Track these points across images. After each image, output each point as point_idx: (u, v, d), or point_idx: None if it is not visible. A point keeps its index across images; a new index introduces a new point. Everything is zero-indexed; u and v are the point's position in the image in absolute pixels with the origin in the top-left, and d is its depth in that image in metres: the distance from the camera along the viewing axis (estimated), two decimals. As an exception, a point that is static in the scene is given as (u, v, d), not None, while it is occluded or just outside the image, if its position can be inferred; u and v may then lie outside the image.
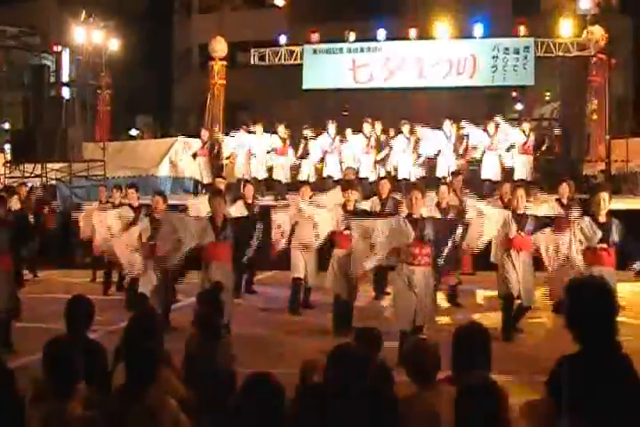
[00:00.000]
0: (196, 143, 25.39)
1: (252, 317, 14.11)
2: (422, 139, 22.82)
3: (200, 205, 15.06)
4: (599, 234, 11.64)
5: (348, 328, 11.95)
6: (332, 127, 23.64)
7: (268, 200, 20.88)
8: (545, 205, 14.06)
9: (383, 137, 23.69)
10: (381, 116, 24.54)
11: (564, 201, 14.21)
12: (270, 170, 23.80)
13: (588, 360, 4.18)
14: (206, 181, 23.78)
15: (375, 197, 15.10)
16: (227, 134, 25.64)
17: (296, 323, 13.90)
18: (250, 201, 16.39)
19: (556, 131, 23.22)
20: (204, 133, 24.89)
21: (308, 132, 24.33)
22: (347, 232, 12.92)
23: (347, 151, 23.34)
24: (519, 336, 12.38)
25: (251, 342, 11.17)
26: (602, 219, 11.73)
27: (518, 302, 12.56)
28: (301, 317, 14.41)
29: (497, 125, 22.29)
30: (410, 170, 22.88)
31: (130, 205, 15.82)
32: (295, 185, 19.90)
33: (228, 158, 25.37)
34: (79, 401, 5.53)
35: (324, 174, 23.42)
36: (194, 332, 7.53)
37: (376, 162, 23.29)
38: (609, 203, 11.84)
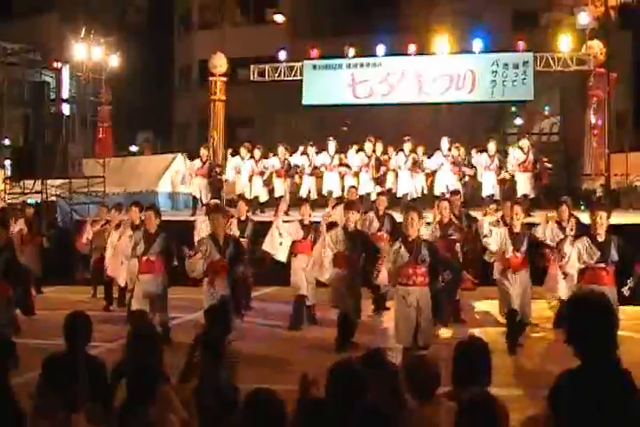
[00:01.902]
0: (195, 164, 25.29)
1: (252, 332, 14.07)
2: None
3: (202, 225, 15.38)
4: (597, 254, 11.67)
5: (350, 343, 12.26)
6: (331, 145, 23.81)
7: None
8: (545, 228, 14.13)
9: (383, 157, 23.75)
10: (382, 132, 24.64)
11: (564, 224, 14.18)
12: (271, 191, 23.92)
13: (588, 375, 4.17)
14: (205, 200, 23.78)
15: (372, 213, 15.45)
16: (227, 152, 25.72)
17: (296, 338, 13.88)
18: (243, 218, 16.50)
19: (547, 164, 22.98)
20: (204, 153, 24.82)
21: (310, 149, 24.39)
22: (347, 252, 13.05)
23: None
24: (519, 351, 12.37)
25: (252, 358, 11.14)
26: (600, 238, 11.75)
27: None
28: (301, 332, 14.38)
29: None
30: (409, 187, 22.98)
31: (131, 224, 15.84)
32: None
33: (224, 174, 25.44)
34: (82, 416, 5.52)
35: (324, 191, 23.52)
36: (196, 348, 7.53)
37: (374, 179, 23.33)
38: (607, 221, 11.89)
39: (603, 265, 11.66)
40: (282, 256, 15.24)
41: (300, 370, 6.10)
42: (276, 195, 23.57)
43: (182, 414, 5.76)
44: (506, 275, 12.68)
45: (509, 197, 18.72)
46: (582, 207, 19.60)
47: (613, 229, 12.58)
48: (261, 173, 23.88)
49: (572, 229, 13.06)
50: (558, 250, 12.52)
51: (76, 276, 21.17)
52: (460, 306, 15.02)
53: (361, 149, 23.83)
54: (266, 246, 15.28)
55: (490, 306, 15.25)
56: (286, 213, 16.83)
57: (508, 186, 22.49)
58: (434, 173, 23.20)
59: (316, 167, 23.98)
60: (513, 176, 22.31)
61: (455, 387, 5.29)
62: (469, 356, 5.37)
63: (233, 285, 12.80)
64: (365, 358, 5.84)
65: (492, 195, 22.01)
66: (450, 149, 23.06)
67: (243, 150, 24.41)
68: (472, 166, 22.94)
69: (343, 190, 22.46)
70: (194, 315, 13.92)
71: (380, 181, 23.50)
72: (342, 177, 23.60)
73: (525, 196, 21.16)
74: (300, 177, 24.18)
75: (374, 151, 23.69)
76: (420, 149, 23.31)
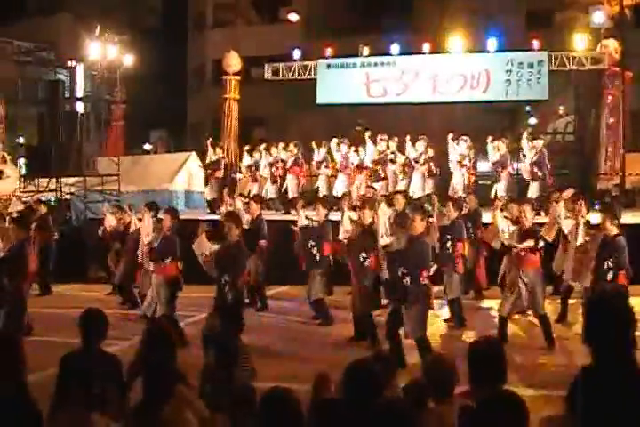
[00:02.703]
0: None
1: (268, 330, 14.08)
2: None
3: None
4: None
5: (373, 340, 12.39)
6: (344, 146, 23.99)
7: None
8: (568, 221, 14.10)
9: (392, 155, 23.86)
10: (396, 131, 24.64)
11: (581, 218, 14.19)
12: (284, 188, 24.04)
13: (607, 375, 4.15)
14: (211, 196, 23.88)
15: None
16: (242, 150, 25.83)
17: (313, 336, 13.87)
18: (254, 216, 16.56)
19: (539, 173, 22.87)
20: (218, 151, 24.87)
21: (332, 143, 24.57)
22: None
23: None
24: (536, 349, 12.36)
25: (268, 357, 11.14)
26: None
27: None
28: (320, 329, 14.37)
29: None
30: (419, 186, 23.07)
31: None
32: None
33: (241, 172, 25.49)
34: (99, 414, 5.53)
35: (334, 191, 23.63)
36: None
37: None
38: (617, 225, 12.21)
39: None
40: None
41: (315, 369, 6.10)
42: (290, 193, 23.67)
43: (203, 414, 5.76)
44: (515, 274, 12.66)
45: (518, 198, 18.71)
46: (596, 207, 19.52)
47: (628, 229, 12.66)
48: (275, 171, 24.03)
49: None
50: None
51: (89, 274, 21.22)
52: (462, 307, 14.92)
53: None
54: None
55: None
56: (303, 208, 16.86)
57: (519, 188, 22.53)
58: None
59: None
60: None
61: (472, 385, 5.28)
62: (485, 354, 5.36)
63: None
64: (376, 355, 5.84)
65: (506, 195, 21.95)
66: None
67: (257, 151, 24.66)
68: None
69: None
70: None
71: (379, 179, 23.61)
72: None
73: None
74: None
75: (388, 148, 23.80)
76: (431, 151, 23.41)
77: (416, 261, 10.99)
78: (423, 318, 11.18)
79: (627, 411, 4.04)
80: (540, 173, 21.68)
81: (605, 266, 12.03)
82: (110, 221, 18.61)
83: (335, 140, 24.59)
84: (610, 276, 11.96)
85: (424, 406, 5.60)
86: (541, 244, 12.86)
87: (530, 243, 12.47)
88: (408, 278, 10.82)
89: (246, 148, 25.38)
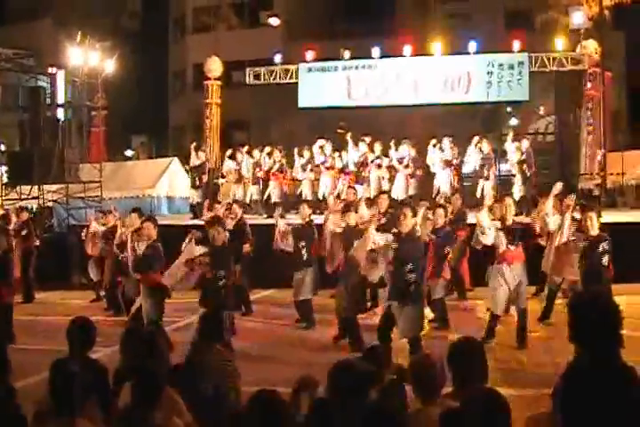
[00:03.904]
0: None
1: (253, 334, 14.08)
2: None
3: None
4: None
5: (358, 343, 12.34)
6: (328, 147, 24.05)
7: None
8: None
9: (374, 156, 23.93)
10: (378, 134, 24.73)
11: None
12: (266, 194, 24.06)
13: (593, 373, 4.17)
14: (196, 200, 23.89)
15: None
16: (224, 154, 25.82)
17: (300, 339, 13.87)
18: (236, 220, 16.61)
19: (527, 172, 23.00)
20: (201, 154, 24.89)
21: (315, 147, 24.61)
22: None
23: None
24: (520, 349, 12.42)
25: (253, 361, 11.15)
26: (593, 233, 12.03)
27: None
28: (305, 332, 14.38)
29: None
30: (402, 188, 23.15)
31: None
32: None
33: (223, 177, 25.46)
34: (88, 420, 5.54)
35: (319, 194, 23.66)
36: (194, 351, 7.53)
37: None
38: (598, 221, 12.20)
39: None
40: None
41: (302, 371, 6.12)
42: (273, 198, 23.68)
43: (187, 418, 5.77)
44: (499, 271, 12.70)
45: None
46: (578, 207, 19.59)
47: (610, 228, 12.74)
48: (257, 172, 24.14)
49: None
50: None
51: (73, 280, 21.16)
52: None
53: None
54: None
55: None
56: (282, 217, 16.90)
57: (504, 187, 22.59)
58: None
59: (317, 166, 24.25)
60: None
61: (455, 387, 5.31)
62: (466, 354, 5.38)
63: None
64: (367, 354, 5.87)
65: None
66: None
67: (239, 154, 24.62)
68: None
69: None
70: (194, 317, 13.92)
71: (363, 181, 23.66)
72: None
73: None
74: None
75: (372, 151, 23.85)
76: (413, 152, 23.54)
77: (418, 257, 11.06)
78: (421, 317, 11.27)
79: (612, 409, 4.06)
80: (528, 172, 21.86)
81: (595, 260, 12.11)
82: (95, 228, 18.42)
83: (319, 143, 24.56)
84: (605, 261, 12.06)
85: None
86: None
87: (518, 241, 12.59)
88: (413, 276, 10.86)
89: (228, 153, 25.33)
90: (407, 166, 23.24)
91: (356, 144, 24.16)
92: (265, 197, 24.08)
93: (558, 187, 14.33)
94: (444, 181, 22.95)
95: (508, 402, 4.37)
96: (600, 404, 4.07)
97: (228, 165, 25.10)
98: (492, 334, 12.52)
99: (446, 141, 23.48)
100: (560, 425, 4.17)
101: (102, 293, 17.98)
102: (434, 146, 23.46)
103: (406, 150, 23.49)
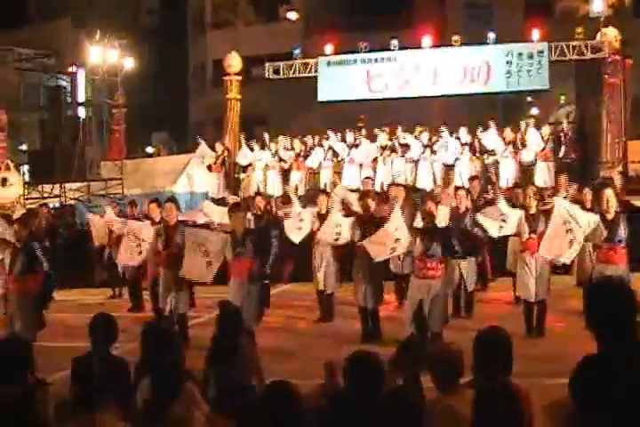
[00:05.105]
0: (210, 158, 25.49)
1: (273, 329, 14.08)
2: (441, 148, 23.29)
3: (214, 211, 15.41)
4: (605, 233, 11.79)
5: (376, 336, 12.48)
6: (349, 136, 24.08)
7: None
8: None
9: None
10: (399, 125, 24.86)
11: (587, 206, 14.22)
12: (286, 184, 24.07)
13: (609, 361, 4.15)
14: (219, 195, 23.92)
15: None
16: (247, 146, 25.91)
17: (321, 332, 13.88)
18: (260, 212, 16.56)
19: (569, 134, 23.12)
20: (219, 147, 25.01)
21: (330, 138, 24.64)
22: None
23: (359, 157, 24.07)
24: (541, 337, 12.39)
25: (275, 352, 11.17)
26: (609, 216, 11.87)
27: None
28: (326, 325, 14.38)
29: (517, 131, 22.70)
30: (426, 178, 23.15)
31: (152, 220, 15.63)
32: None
33: (244, 172, 25.52)
34: (109, 415, 5.56)
35: (343, 184, 23.64)
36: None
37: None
38: (615, 199, 12.04)
39: (611, 244, 11.95)
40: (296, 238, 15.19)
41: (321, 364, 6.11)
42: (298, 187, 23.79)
43: (205, 410, 5.78)
44: (523, 261, 12.67)
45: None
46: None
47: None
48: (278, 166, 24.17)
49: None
50: None
51: (95, 278, 21.22)
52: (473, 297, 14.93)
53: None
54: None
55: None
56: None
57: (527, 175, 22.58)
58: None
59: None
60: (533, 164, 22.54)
61: (476, 376, 5.28)
62: (490, 344, 5.35)
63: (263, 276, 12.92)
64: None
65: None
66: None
67: (256, 146, 24.74)
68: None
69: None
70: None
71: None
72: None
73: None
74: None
75: (392, 139, 24.01)
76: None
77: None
78: (447, 310, 11.42)
79: (634, 396, 4.03)
80: (552, 158, 21.88)
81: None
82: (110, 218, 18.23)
83: (336, 136, 24.62)
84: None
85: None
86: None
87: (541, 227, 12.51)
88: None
89: (244, 146, 25.46)
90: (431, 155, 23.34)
91: (375, 136, 24.21)
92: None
93: (564, 179, 14.39)
94: (464, 168, 22.90)
95: (526, 393, 4.35)
96: (614, 392, 4.03)
97: (247, 157, 25.14)
98: (530, 326, 12.53)
99: (463, 130, 23.65)
100: (576, 413, 4.15)
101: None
102: (450, 134, 23.51)
103: (426, 140, 23.62)
